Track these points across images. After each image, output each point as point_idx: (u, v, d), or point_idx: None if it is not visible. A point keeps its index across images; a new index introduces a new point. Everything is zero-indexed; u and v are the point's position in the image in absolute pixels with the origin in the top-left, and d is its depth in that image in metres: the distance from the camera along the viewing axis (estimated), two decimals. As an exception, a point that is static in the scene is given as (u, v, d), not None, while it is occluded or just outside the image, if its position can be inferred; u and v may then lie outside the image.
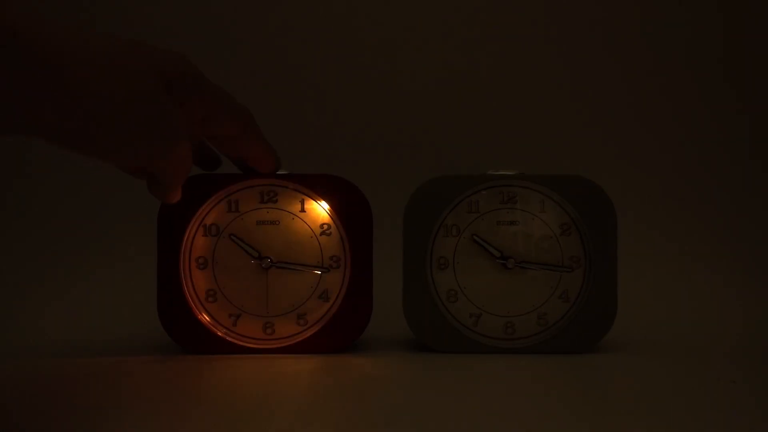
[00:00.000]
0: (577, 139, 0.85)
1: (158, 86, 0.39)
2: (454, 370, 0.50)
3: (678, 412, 0.40)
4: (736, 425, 0.38)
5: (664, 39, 0.86)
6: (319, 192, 0.54)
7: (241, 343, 0.54)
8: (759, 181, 0.84)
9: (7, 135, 0.35)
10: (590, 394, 0.45)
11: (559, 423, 0.38)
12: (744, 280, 0.79)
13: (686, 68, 0.86)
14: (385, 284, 0.59)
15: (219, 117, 0.46)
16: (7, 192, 0.82)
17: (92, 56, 0.35)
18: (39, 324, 0.65)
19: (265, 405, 0.42)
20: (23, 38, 0.32)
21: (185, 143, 0.42)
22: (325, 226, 0.54)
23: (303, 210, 0.54)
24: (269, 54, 0.85)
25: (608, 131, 0.86)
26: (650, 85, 0.86)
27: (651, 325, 0.66)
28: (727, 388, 0.46)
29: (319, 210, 0.54)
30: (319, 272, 0.54)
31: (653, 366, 0.51)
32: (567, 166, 0.83)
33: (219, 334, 0.53)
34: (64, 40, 0.34)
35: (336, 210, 0.54)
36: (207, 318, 0.54)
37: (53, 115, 0.34)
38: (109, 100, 0.36)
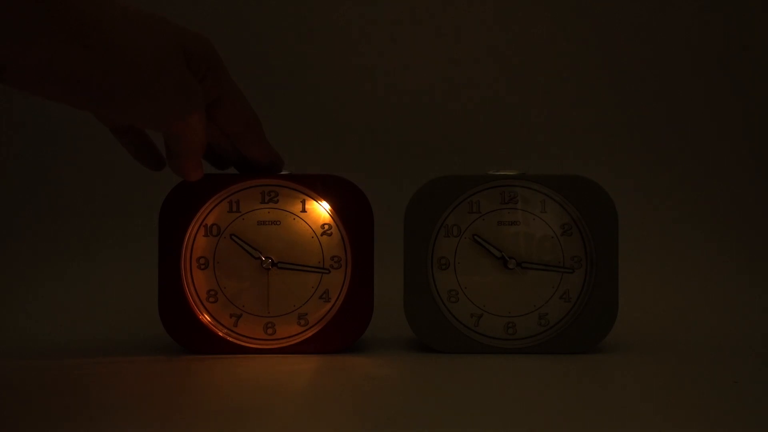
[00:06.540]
0: (578, 139, 0.85)
1: (182, 59, 0.42)
2: (454, 370, 0.50)
3: (679, 412, 0.40)
4: (736, 425, 0.38)
5: (663, 39, 0.86)
6: (320, 192, 0.54)
7: (242, 344, 0.54)
8: (760, 180, 0.84)
9: (35, 92, 0.38)
10: (591, 394, 0.45)
11: (560, 423, 0.38)
12: (745, 280, 0.79)
13: (686, 68, 0.86)
14: (386, 284, 0.59)
15: (228, 105, 0.48)
16: (7, 192, 0.82)
17: (129, 24, 0.39)
18: (40, 324, 0.66)
19: (265, 405, 0.42)
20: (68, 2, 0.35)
21: (200, 112, 0.44)
22: (326, 227, 0.54)
23: (304, 210, 0.54)
24: (270, 54, 0.85)
25: (609, 131, 0.86)
26: (651, 86, 0.86)
27: (652, 326, 0.66)
28: (728, 388, 0.46)
29: (320, 210, 0.54)
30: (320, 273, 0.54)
31: (653, 366, 0.51)
32: (568, 166, 0.83)
33: (220, 334, 0.53)
34: (104, 7, 0.37)
35: (337, 210, 0.54)
36: (208, 318, 0.54)
37: (85, 74, 0.37)
38: (139, 64, 0.39)
